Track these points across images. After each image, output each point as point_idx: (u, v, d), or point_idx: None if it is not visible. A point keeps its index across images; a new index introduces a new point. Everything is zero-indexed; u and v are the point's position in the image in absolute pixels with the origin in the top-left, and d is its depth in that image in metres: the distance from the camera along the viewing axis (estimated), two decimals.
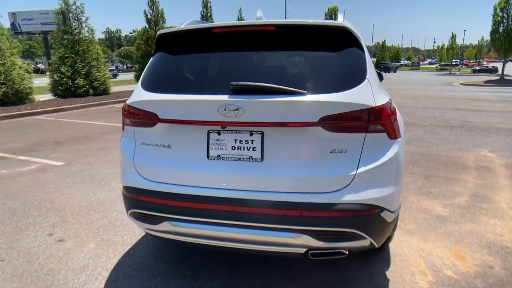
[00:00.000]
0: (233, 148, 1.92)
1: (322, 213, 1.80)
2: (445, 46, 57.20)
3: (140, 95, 2.09)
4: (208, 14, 22.65)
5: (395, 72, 47.81)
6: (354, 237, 1.85)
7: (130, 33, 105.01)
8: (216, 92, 1.89)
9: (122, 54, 75.15)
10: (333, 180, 1.81)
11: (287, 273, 2.41)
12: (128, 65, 71.13)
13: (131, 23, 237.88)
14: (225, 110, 1.82)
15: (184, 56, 2.21)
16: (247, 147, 1.90)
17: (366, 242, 1.89)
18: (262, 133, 1.87)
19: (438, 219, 3.24)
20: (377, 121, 1.82)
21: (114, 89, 16.59)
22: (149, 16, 18.66)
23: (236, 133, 1.91)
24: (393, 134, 1.89)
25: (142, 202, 2.08)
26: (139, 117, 2.09)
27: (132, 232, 3.04)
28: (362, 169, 1.81)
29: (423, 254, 2.64)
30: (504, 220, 3.21)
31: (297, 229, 1.83)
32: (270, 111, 1.82)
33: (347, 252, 1.94)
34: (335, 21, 2.01)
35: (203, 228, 1.96)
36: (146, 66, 2.28)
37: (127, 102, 2.17)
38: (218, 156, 1.93)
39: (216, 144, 1.94)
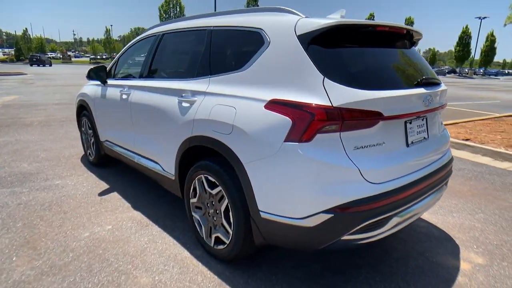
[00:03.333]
0: (417, 133, 2.23)
1: (450, 167, 2.58)
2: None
3: (355, 94, 1.81)
4: None
5: (50, 65, 42.04)
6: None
7: None
8: (410, 86, 2.13)
9: None
10: (448, 142, 2.64)
11: None
12: None
13: None
14: (429, 101, 2.16)
15: (362, 50, 2.07)
16: (421, 130, 2.28)
17: None
18: (426, 117, 2.32)
19: None
20: None
21: None
22: None
23: (416, 119, 2.22)
24: None
25: (375, 210, 1.88)
26: (359, 118, 1.83)
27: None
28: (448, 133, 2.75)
29: None
30: None
31: (445, 182, 2.50)
32: (438, 98, 2.34)
33: None
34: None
35: (411, 210, 2.13)
36: (320, 56, 1.91)
37: (332, 104, 1.78)
38: (412, 142, 2.17)
39: (410, 132, 2.16)
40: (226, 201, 2.24)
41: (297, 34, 1.98)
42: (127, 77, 3.69)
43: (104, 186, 3.81)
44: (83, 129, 4.59)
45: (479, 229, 3.04)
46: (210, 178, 2.34)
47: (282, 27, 2.08)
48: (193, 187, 2.55)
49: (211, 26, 2.60)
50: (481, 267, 2.47)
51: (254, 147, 1.97)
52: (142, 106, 3.06)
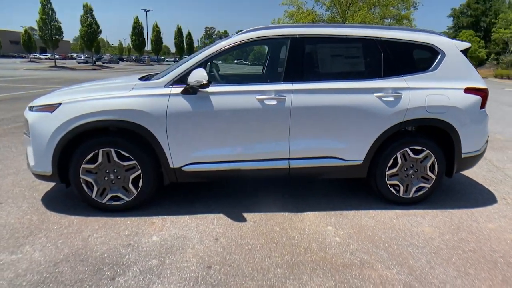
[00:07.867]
0: None
1: None
2: None
3: (484, 81, 3.51)
4: None
5: None
6: None
7: None
8: None
9: None
10: None
11: None
12: None
13: None
14: None
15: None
16: None
17: None
18: None
19: None
20: None
21: None
22: None
23: None
24: None
25: None
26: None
27: None
28: None
29: None
30: None
31: None
32: None
33: None
34: None
35: None
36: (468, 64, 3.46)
37: (486, 87, 3.44)
38: None
39: None
40: (431, 159, 3.39)
41: (459, 49, 3.42)
42: (251, 81, 3.56)
43: (230, 220, 3.17)
44: (90, 166, 3.11)
45: None
46: (416, 147, 3.37)
47: (449, 44, 3.45)
48: (392, 161, 3.39)
49: (376, 37, 3.37)
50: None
51: (464, 116, 3.35)
52: (318, 109, 3.22)
